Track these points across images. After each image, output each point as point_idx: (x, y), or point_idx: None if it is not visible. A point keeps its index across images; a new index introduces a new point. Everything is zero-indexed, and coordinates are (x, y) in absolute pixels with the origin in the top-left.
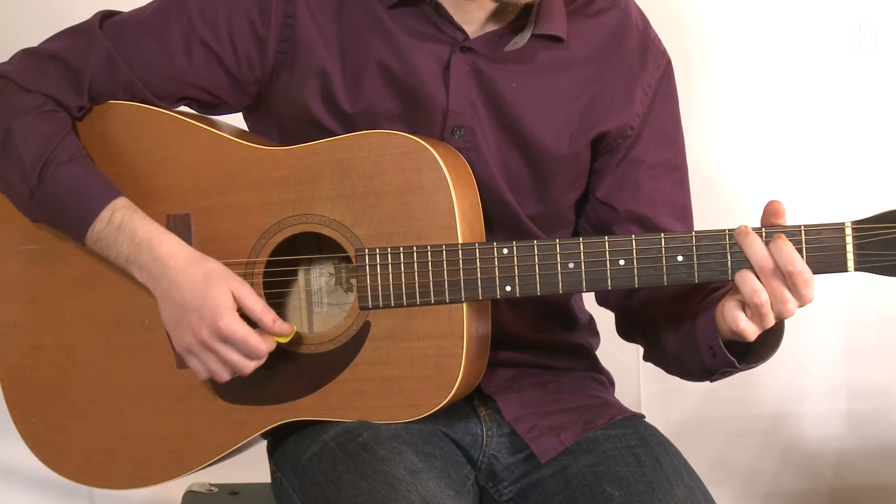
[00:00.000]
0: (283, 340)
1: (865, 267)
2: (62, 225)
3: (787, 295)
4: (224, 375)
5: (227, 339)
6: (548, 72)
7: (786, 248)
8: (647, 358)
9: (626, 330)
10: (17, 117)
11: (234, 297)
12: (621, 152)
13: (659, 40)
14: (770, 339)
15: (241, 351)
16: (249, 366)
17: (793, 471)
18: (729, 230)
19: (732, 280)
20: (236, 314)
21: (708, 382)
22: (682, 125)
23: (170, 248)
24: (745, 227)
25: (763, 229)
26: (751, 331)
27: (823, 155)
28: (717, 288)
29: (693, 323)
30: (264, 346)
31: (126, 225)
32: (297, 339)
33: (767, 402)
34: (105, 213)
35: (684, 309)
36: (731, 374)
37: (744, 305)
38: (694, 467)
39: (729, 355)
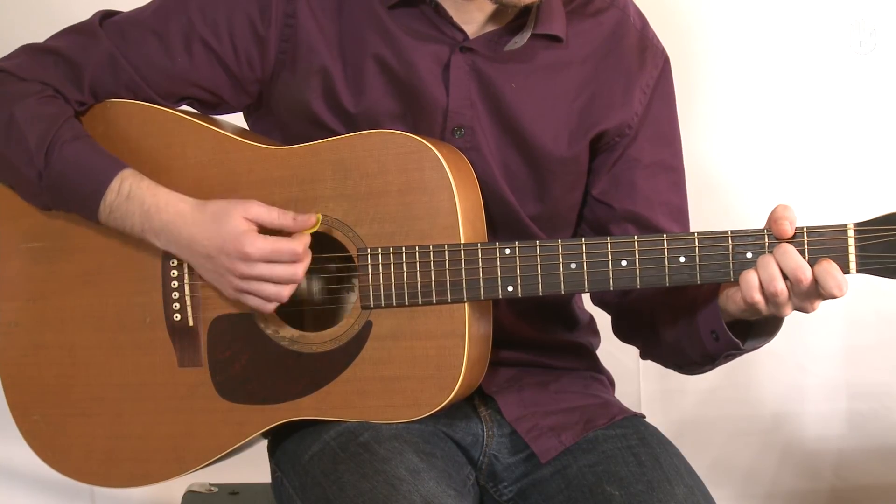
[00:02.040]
0: (314, 230)
1: (867, 269)
2: (73, 203)
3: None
4: (283, 293)
5: (262, 259)
6: (547, 72)
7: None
8: (644, 355)
9: (623, 329)
10: (19, 102)
11: (247, 220)
12: (618, 151)
13: (657, 39)
14: (772, 320)
15: (282, 261)
16: (298, 270)
17: (793, 471)
18: (732, 231)
19: (736, 280)
20: (256, 233)
21: (707, 379)
22: (678, 126)
23: (175, 207)
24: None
25: (765, 232)
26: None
27: (824, 155)
28: None
29: (692, 309)
30: (298, 244)
31: (134, 193)
32: (299, 338)
33: (767, 402)
34: (115, 184)
35: (682, 297)
36: (733, 357)
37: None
38: (694, 467)
39: (733, 337)
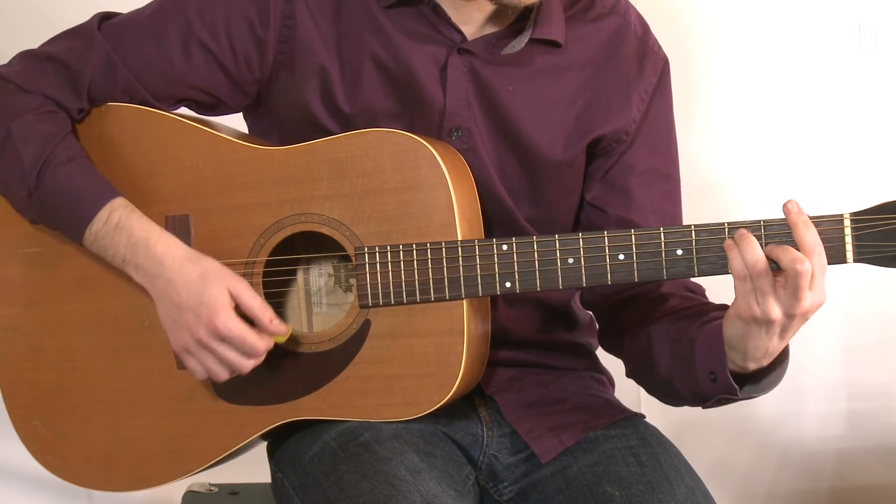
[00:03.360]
0: (280, 340)
1: (864, 258)
2: (60, 225)
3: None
4: (222, 375)
5: (224, 338)
6: (545, 76)
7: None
8: (630, 374)
9: (613, 344)
10: (17, 118)
11: (232, 296)
12: (614, 157)
13: (658, 46)
14: (771, 373)
15: (239, 350)
16: (247, 364)
17: (793, 471)
18: (729, 223)
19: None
20: (233, 313)
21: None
22: (676, 134)
23: (166, 246)
24: (743, 230)
25: (761, 223)
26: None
27: (824, 156)
28: (718, 316)
29: (692, 347)
30: (262, 344)
31: (123, 224)
32: (297, 338)
33: (767, 402)
34: (103, 213)
35: (682, 332)
36: (726, 402)
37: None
38: (694, 467)
39: (731, 381)
